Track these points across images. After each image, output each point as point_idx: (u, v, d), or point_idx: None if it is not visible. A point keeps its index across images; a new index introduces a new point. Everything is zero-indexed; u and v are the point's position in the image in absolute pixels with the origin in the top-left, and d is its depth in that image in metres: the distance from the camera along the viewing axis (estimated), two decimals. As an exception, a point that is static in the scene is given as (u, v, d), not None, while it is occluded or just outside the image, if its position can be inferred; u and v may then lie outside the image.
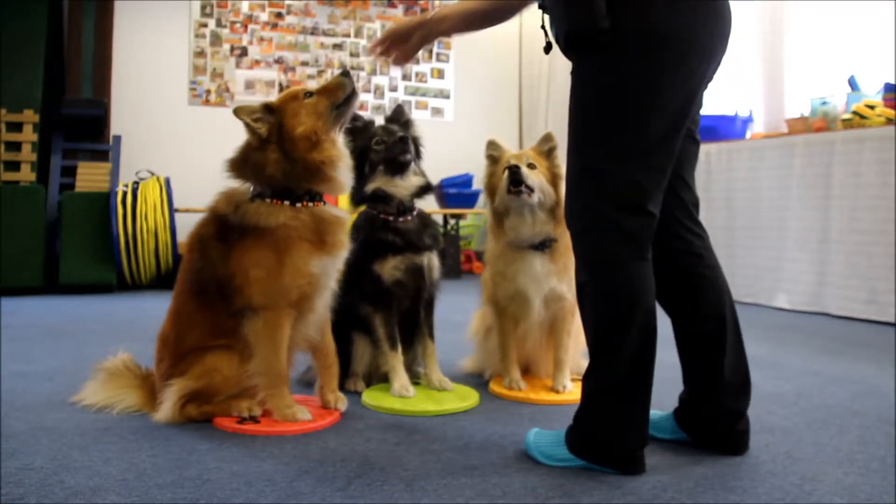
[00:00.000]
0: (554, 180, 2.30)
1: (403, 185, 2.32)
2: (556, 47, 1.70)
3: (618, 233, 1.57)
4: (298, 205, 1.96)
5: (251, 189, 1.99)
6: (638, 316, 1.57)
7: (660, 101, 1.53)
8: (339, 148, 2.04)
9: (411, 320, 2.41)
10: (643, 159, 1.55)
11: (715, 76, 1.68)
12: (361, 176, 2.30)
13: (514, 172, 2.22)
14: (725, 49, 1.63)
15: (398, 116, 2.44)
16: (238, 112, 1.96)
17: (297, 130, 1.95)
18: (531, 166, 2.28)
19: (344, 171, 2.02)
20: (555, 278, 2.30)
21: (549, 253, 2.31)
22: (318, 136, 1.97)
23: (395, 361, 2.31)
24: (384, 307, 2.30)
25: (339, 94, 2.00)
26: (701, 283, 1.74)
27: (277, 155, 1.95)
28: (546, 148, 2.36)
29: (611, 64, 1.54)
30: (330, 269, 2.01)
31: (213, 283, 1.97)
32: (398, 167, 2.31)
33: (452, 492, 1.54)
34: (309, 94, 2.00)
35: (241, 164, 2.01)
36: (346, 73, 2.03)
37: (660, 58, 1.51)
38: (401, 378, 2.29)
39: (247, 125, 1.97)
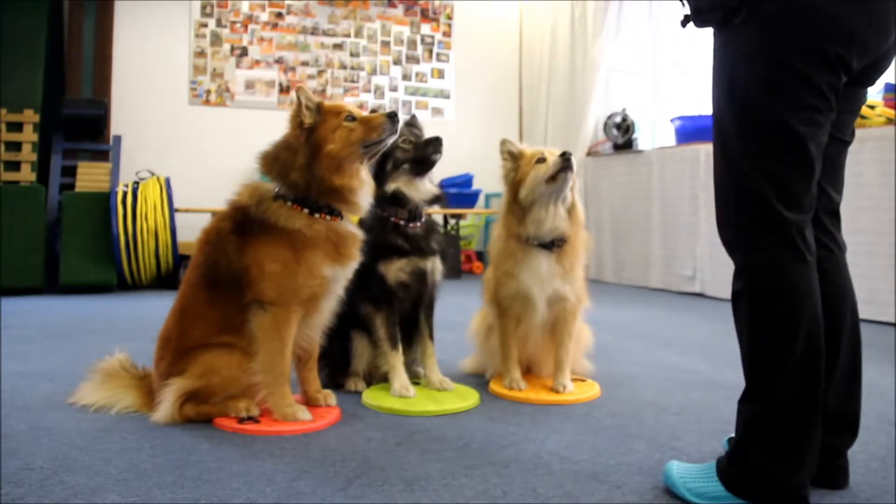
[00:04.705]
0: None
1: (423, 189, 2.32)
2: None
3: (773, 232, 1.41)
4: (316, 215, 1.98)
5: (276, 188, 2.01)
6: (802, 326, 1.39)
7: (791, 88, 1.38)
8: (362, 177, 2.05)
9: (411, 321, 2.41)
10: (783, 153, 1.40)
11: (877, 70, 1.48)
12: (379, 175, 2.29)
13: (568, 158, 2.26)
14: (887, 42, 1.42)
15: (416, 122, 2.44)
16: (300, 90, 1.99)
17: (326, 147, 1.97)
18: None
19: (364, 197, 2.04)
20: (559, 279, 2.32)
21: (556, 253, 2.32)
22: (342, 162, 1.99)
23: (396, 361, 2.31)
24: (386, 307, 2.31)
25: (374, 135, 2.00)
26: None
27: (304, 161, 1.97)
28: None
29: (740, 44, 1.42)
30: (340, 277, 2.04)
31: (229, 274, 1.99)
32: (425, 167, 2.32)
33: (452, 492, 1.54)
34: (351, 118, 2.01)
35: (272, 161, 2.04)
36: (392, 116, 2.02)
37: (791, 39, 1.37)
38: (401, 378, 2.29)
39: (298, 104, 1.98)
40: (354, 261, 2.06)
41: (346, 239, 2.02)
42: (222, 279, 2.00)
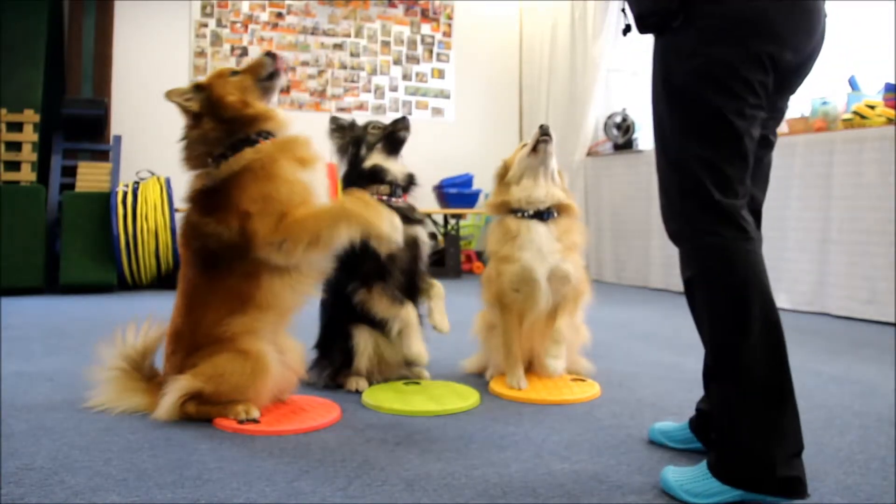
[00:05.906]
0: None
1: (398, 165, 2.47)
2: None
3: (716, 215, 1.46)
4: (256, 146, 2.03)
5: (210, 161, 2.04)
6: (756, 300, 1.43)
7: (725, 83, 1.44)
8: (272, 105, 2.13)
9: (410, 292, 2.39)
10: (718, 143, 1.46)
11: (800, 75, 1.57)
12: (354, 164, 2.45)
13: (546, 130, 2.42)
14: (810, 46, 1.52)
15: (407, 123, 2.55)
16: (169, 95, 2.05)
17: (227, 98, 2.05)
18: None
19: (282, 114, 2.11)
20: (559, 255, 2.35)
21: (553, 223, 2.37)
22: (247, 99, 2.06)
23: (407, 315, 2.28)
24: (381, 283, 2.31)
25: (261, 71, 2.11)
26: None
27: (213, 123, 2.04)
28: None
29: (677, 44, 1.50)
30: (313, 181, 2.05)
31: (220, 247, 1.98)
32: (396, 144, 2.48)
33: (452, 492, 1.54)
34: (235, 72, 2.11)
35: (189, 148, 2.08)
36: (269, 54, 2.14)
37: (724, 38, 1.44)
38: (416, 335, 2.27)
39: (179, 105, 2.06)
40: (316, 162, 2.08)
41: (296, 143, 2.07)
42: (218, 257, 1.99)
